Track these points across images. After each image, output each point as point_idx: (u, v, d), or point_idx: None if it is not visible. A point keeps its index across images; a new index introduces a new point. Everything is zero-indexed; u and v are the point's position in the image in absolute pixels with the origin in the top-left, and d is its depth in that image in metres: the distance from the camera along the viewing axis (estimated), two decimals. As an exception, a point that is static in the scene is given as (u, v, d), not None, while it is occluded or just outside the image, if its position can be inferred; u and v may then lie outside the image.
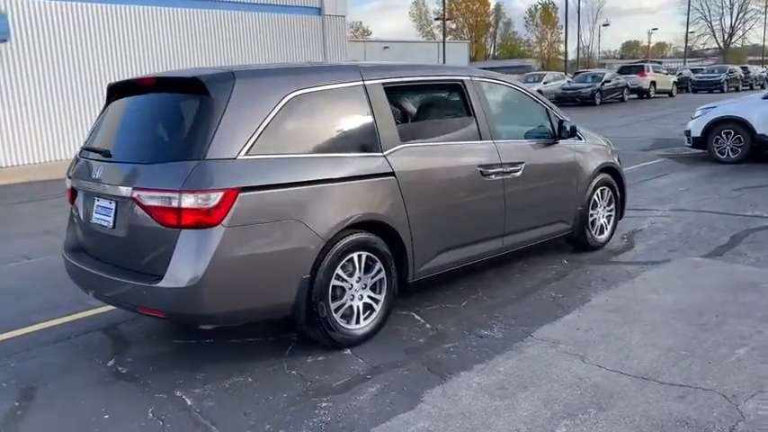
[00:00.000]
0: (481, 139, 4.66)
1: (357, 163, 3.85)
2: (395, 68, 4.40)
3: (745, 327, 3.96)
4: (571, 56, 73.89)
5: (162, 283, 3.30)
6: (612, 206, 5.95)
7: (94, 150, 3.90)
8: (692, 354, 3.62)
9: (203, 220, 3.25)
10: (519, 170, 4.83)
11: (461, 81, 4.67)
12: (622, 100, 29.44)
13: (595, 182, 5.64)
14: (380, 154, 3.97)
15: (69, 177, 4.16)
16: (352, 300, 3.87)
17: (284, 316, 3.63)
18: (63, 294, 4.92)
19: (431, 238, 4.25)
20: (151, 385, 3.54)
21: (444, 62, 64.19)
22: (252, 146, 3.44)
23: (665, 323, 4.09)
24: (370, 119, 3.99)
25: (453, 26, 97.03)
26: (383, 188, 3.94)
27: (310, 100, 3.76)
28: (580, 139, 5.58)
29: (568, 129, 5.23)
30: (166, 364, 3.82)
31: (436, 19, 64.27)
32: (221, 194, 3.26)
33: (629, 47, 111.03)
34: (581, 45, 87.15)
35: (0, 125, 12.12)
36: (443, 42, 50.58)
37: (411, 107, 4.55)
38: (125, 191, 3.49)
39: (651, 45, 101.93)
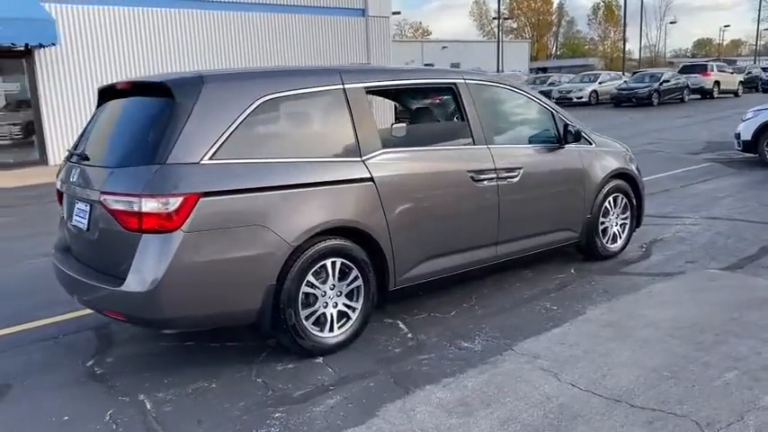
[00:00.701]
0: (474, 144, 4.51)
1: (332, 168, 3.78)
2: (379, 72, 4.31)
3: (745, 347, 3.69)
4: (637, 54, 71.75)
5: (123, 287, 3.31)
6: (627, 214, 5.67)
7: (76, 153, 3.96)
8: (675, 375, 3.39)
9: (163, 224, 3.24)
10: (516, 176, 4.65)
11: (454, 85, 4.54)
12: (682, 100, 28.31)
13: (607, 188, 5.39)
14: (359, 159, 3.89)
15: (57, 179, 4.24)
16: (325, 307, 3.80)
17: (250, 322, 3.60)
18: (63, 293, 5.02)
19: (414, 245, 4.14)
20: (119, 387, 3.57)
21: (502, 62, 63.35)
22: (217, 150, 3.41)
23: (659, 340, 3.86)
24: (349, 123, 3.92)
25: (515, 25, 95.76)
26: (360, 194, 3.86)
27: (283, 104, 3.72)
28: (590, 143, 5.35)
29: (573, 133, 5.01)
30: (141, 365, 3.85)
31: (494, 18, 63.45)
32: (181, 199, 3.25)
33: (702, 45, 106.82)
34: (647, 43, 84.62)
35: (50, 124, 12.59)
36: (500, 41, 49.82)
37: (397, 111, 4.44)
38: (94, 194, 3.52)
39: (724, 43, 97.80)
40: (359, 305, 3.94)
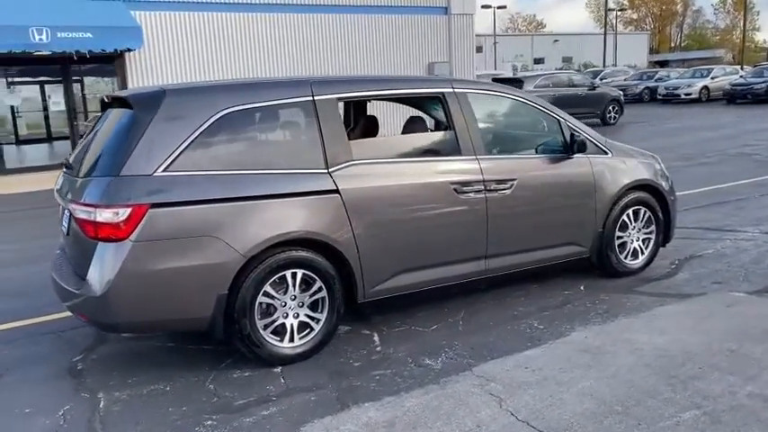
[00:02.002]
0: (461, 155, 4.38)
1: (294, 180, 3.81)
2: (356, 82, 4.28)
3: (723, 385, 3.37)
4: (769, 45, 66.03)
5: (82, 290, 3.52)
6: (652, 228, 5.29)
7: (64, 162, 4.23)
8: (626, 411, 3.15)
9: (113, 233, 3.41)
10: (508, 187, 4.47)
11: (441, 94, 4.42)
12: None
13: (624, 201, 5.06)
14: (324, 171, 3.89)
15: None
16: (285, 317, 3.84)
17: (202, 329, 3.70)
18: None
19: (385, 258, 4.09)
20: (87, 384, 3.79)
21: (616, 55, 60.54)
22: (172, 162, 3.53)
23: (632, 370, 3.59)
24: (316, 135, 3.93)
25: (635, 16, 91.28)
26: (324, 206, 3.86)
27: (245, 117, 3.79)
28: (605, 153, 5.04)
29: (578, 142, 4.74)
30: (117, 364, 4.06)
31: (609, 9, 60.75)
32: (129, 210, 3.40)
33: None
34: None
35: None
36: (606, 34, 47.65)
37: (374, 122, 4.40)
38: (67, 202, 3.76)
39: None
40: (323, 317, 3.95)
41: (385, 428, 3.11)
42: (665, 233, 5.39)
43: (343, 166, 3.95)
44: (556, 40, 79.47)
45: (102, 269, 3.44)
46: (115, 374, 3.89)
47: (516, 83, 18.27)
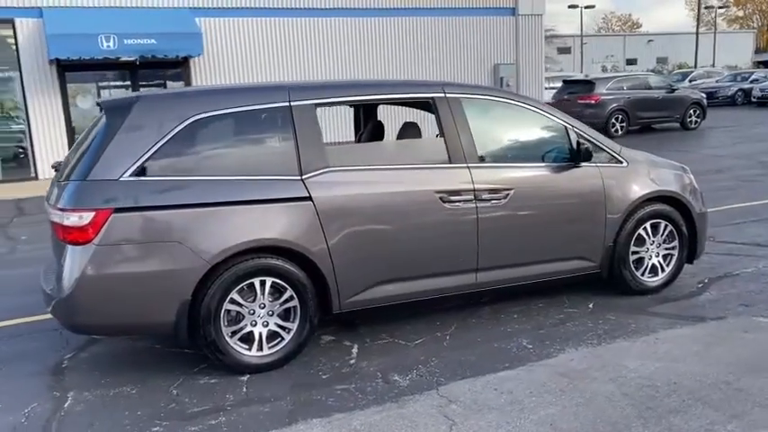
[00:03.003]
0: (450, 162, 4.19)
1: (264, 187, 3.76)
2: (337, 88, 4.18)
3: (701, 421, 3.05)
4: None
5: (53, 292, 3.61)
6: (675, 244, 4.89)
7: (53, 166, 4.36)
8: (581, 445, 2.89)
9: (78, 237, 3.47)
10: (503, 197, 4.25)
11: (431, 99, 4.25)
12: None
13: (641, 214, 4.70)
14: (297, 178, 3.82)
15: None
16: (254, 325, 3.80)
17: (167, 334, 3.71)
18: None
19: (363, 268, 3.97)
20: (64, 383, 3.88)
21: (714, 55, 57.21)
22: (139, 168, 3.56)
23: (607, 399, 3.31)
24: (291, 141, 3.87)
25: (740, 14, 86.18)
26: (296, 213, 3.79)
27: (217, 122, 3.78)
28: (620, 162, 4.71)
29: (583, 151, 4.44)
30: (100, 363, 4.15)
31: (708, 7, 57.63)
32: (93, 214, 3.45)
33: None
34: None
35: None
36: (712, 33, 45.16)
37: (357, 128, 4.28)
38: (47, 206, 3.87)
39: None
40: (294, 326, 3.88)
41: (322, 447, 3.00)
42: (690, 249, 4.97)
43: (317, 172, 3.86)
44: (650, 40, 76.23)
45: (69, 271, 3.51)
46: (95, 374, 3.96)
47: (587, 85, 17.57)
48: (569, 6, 50.80)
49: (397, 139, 4.58)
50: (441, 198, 4.10)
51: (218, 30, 13.85)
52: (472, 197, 4.18)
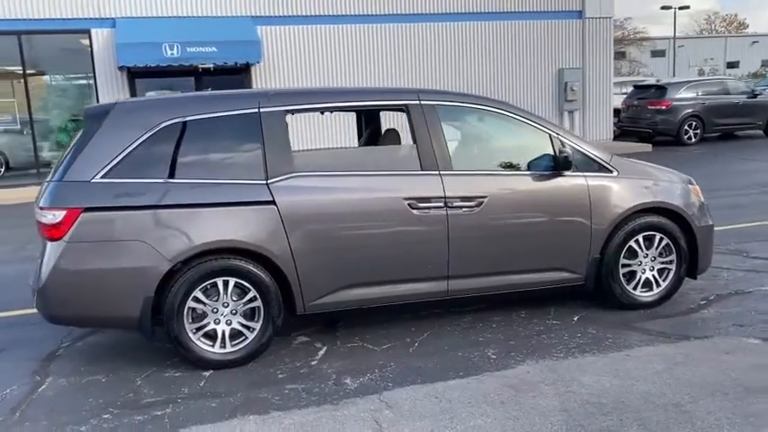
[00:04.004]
0: (422, 169, 4.21)
1: (229, 190, 3.91)
2: (307, 95, 4.27)
3: (631, 442, 2.93)
4: None
5: (33, 285, 3.90)
6: (671, 258, 4.67)
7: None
8: (492, 458, 2.86)
9: (53, 234, 3.74)
10: (476, 205, 4.21)
11: (405, 106, 4.28)
12: None
13: (632, 225, 4.53)
14: (263, 182, 3.95)
15: None
16: (217, 323, 3.95)
17: (133, 328, 3.92)
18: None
19: (328, 271, 4.05)
20: (50, 368, 4.17)
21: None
22: (110, 170, 3.80)
23: (542, 415, 3.23)
24: (258, 146, 4.00)
25: None
26: (259, 217, 3.92)
27: (186, 128, 3.95)
28: (609, 171, 4.56)
29: (562, 160, 4.33)
30: (92, 352, 4.42)
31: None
32: (64, 213, 3.71)
33: None
34: None
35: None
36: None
37: (360, 134, 4.35)
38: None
39: None
40: (257, 326, 4.00)
41: (245, 443, 3.10)
42: (690, 264, 4.73)
43: (283, 177, 3.98)
44: (755, 42, 71.90)
45: (45, 266, 3.79)
46: (79, 362, 4.24)
47: (658, 90, 16.84)
48: (662, 8, 48.59)
49: (379, 145, 4.62)
50: (409, 205, 4.12)
51: (278, 37, 14.27)
52: (443, 204, 4.17)
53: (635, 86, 18.48)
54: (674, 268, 4.69)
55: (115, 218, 3.77)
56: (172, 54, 12.65)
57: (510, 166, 4.46)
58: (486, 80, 15.82)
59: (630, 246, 4.58)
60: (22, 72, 13.40)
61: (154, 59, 12.64)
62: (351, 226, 4.07)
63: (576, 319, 4.59)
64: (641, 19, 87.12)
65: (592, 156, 4.54)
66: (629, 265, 4.62)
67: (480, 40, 15.76)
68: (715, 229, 4.92)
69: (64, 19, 13.16)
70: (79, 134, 4.02)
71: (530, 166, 4.42)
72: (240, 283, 3.93)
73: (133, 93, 13.58)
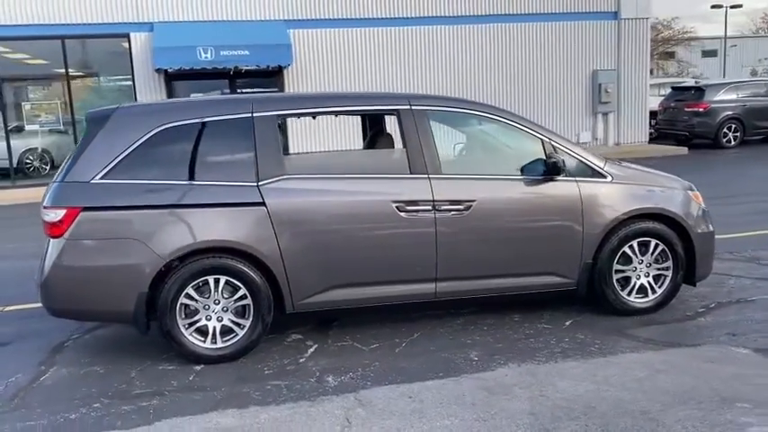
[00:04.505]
0: (410, 173, 4.28)
1: (222, 191, 4.05)
2: (298, 100, 4.40)
3: (590, 447, 2.95)
4: None
5: (37, 280, 4.13)
6: (668, 264, 4.63)
7: None
8: (449, 457, 2.92)
9: (55, 231, 3.96)
10: (464, 209, 4.27)
11: (396, 111, 4.36)
12: None
13: (625, 231, 4.51)
14: (254, 184, 4.09)
15: None
16: (208, 320, 4.11)
17: (128, 322, 4.11)
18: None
19: (316, 271, 4.16)
20: (54, 359, 4.38)
21: None
22: (109, 171, 3.99)
23: (509, 418, 3.27)
24: (250, 149, 4.14)
25: None
26: (249, 217, 4.06)
27: (181, 132, 4.12)
28: (603, 176, 4.55)
29: (550, 165, 4.34)
30: (96, 345, 4.64)
31: None
32: (64, 212, 3.92)
33: None
34: None
35: (293, 133, 14.50)
36: None
37: (365, 137, 4.45)
38: None
39: None
40: (247, 323, 4.14)
41: (219, 435, 3.24)
42: (688, 271, 4.68)
43: (273, 180, 4.11)
44: (814, 42, 69.17)
45: (47, 262, 4.01)
46: (84, 353, 4.45)
47: (697, 92, 16.46)
48: (712, 6, 47.26)
49: (375, 148, 4.71)
50: (397, 207, 4.20)
51: (311, 40, 14.48)
52: (431, 208, 4.24)
53: (673, 88, 18.09)
54: (670, 275, 4.65)
55: (112, 217, 3.96)
56: (206, 57, 13.00)
57: (500, 171, 4.49)
58: (518, 82, 15.74)
59: (624, 251, 4.56)
60: (65, 74, 13.95)
61: (188, 62, 13.01)
62: (339, 228, 4.17)
63: (568, 323, 4.60)
64: (691, 18, 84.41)
65: (585, 161, 4.54)
66: (623, 271, 4.60)
67: (513, 41, 15.68)
68: (735, 235, 4.85)
69: (105, 23, 13.65)
70: (82, 136, 4.23)
71: (520, 171, 4.45)
72: (231, 282, 4.08)
73: (170, 94, 13.98)
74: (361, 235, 4.21)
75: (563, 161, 4.39)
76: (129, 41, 13.83)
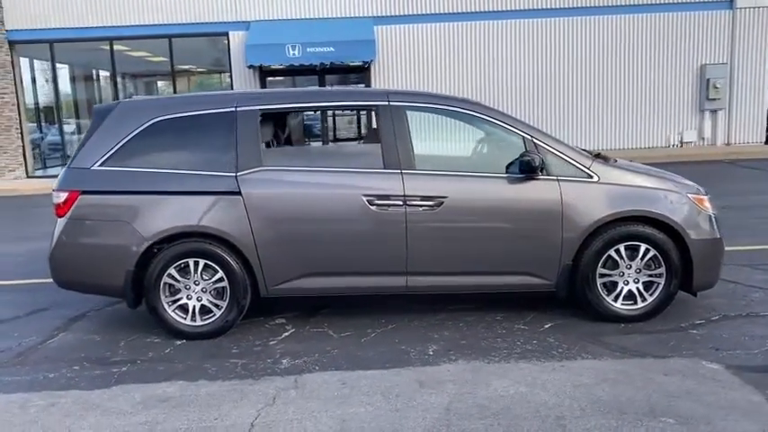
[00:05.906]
0: (384, 168, 4.37)
1: (203, 180, 4.36)
2: (280, 96, 4.58)
3: (480, 446, 2.95)
4: None
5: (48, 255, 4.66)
6: (660, 271, 4.40)
7: None
8: (339, 442, 3.03)
9: (59, 212, 4.45)
10: (435, 204, 4.30)
11: (374, 107, 4.46)
12: None
13: (611, 234, 4.33)
14: (232, 174, 4.36)
15: None
16: (189, 299, 4.44)
17: (119, 296, 4.53)
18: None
19: (288, 259, 4.37)
20: (70, 327, 4.89)
21: None
22: (107, 159, 4.42)
23: (422, 412, 3.31)
24: (232, 142, 4.41)
25: None
26: (226, 205, 4.34)
27: (172, 125, 4.47)
28: (589, 176, 4.39)
29: (527, 162, 4.24)
30: (110, 317, 5.12)
31: None
32: (66, 194, 4.39)
33: None
34: None
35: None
36: None
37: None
38: None
39: None
40: (224, 304, 4.43)
41: (156, 401, 3.54)
42: (684, 279, 4.41)
43: (251, 171, 4.36)
44: None
45: (54, 239, 4.51)
46: (96, 323, 4.96)
47: None
48: None
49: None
50: (368, 201, 4.31)
51: (396, 36, 14.67)
52: (402, 202, 4.31)
53: None
54: (662, 282, 4.41)
55: (106, 200, 4.39)
56: (294, 54, 13.57)
57: (476, 168, 4.47)
58: (618, 76, 15.08)
59: (610, 255, 4.38)
60: (170, 71, 15.11)
61: (277, 59, 13.66)
62: (311, 218, 4.35)
63: (547, 326, 4.49)
64: None
65: (569, 160, 4.40)
66: (609, 275, 4.42)
67: (615, 34, 15.00)
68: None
69: (207, 23, 14.62)
70: (88, 127, 4.70)
71: (497, 168, 4.39)
72: (209, 265, 4.38)
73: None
74: (332, 227, 4.36)
75: (541, 159, 4.29)
76: (228, 40, 14.73)
